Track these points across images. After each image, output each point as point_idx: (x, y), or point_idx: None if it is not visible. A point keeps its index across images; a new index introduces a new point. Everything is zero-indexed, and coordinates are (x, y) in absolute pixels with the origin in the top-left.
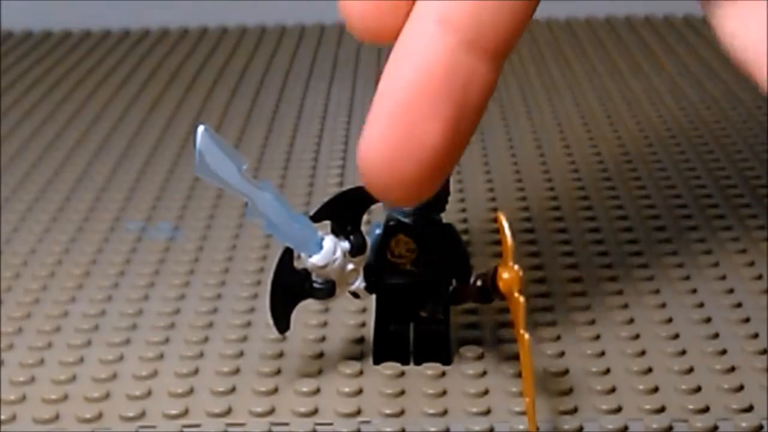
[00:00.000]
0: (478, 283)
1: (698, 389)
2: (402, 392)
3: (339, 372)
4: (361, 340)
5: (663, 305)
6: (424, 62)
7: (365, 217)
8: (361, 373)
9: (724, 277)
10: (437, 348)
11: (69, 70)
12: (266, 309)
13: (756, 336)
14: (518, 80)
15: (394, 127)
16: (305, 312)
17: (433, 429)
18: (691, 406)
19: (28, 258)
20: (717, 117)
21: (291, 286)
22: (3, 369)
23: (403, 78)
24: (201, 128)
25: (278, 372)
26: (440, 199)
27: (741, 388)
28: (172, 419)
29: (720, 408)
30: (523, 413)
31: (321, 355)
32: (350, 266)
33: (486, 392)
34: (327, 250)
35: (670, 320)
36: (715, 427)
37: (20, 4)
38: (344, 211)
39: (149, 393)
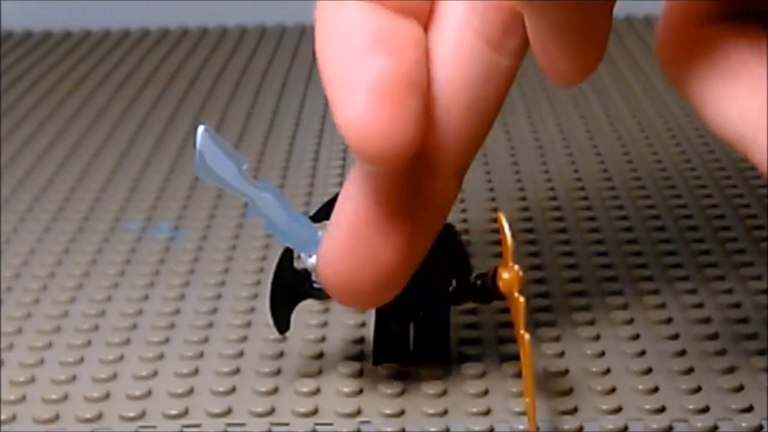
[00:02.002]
0: (478, 283)
1: (698, 389)
2: (402, 392)
3: (339, 372)
4: (361, 340)
5: (663, 305)
6: (378, 181)
7: None
8: (361, 373)
9: (723, 277)
10: (437, 348)
11: (69, 70)
12: (266, 309)
13: (756, 336)
14: (518, 80)
15: (349, 247)
16: (305, 312)
17: (433, 429)
18: (691, 406)
19: (28, 258)
20: None
21: (291, 286)
22: (3, 369)
23: (357, 198)
24: (201, 128)
25: (278, 372)
26: None
27: (741, 388)
28: (172, 419)
29: (720, 408)
30: (523, 413)
31: (321, 355)
32: None
33: (486, 392)
34: None
35: (670, 320)
36: (715, 427)
37: (20, 4)
38: None
39: (149, 393)
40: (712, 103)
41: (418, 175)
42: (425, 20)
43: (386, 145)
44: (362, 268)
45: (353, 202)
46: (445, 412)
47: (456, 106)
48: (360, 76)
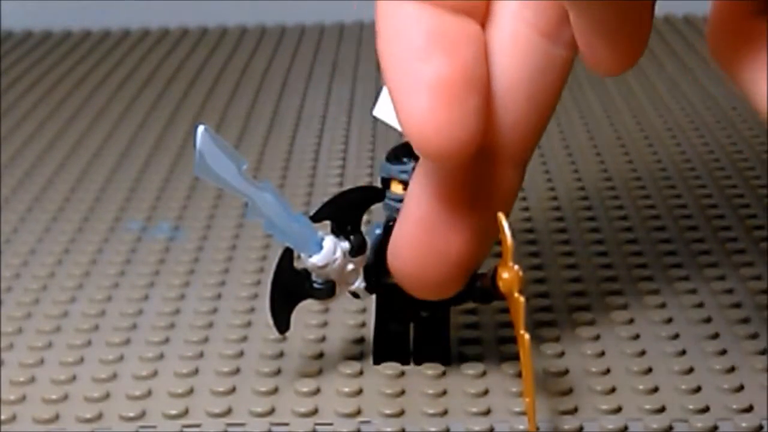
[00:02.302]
0: (478, 283)
1: (698, 389)
2: (402, 392)
3: (339, 372)
4: (361, 340)
5: (663, 305)
6: (443, 175)
7: (365, 217)
8: (361, 373)
9: (723, 277)
10: (437, 348)
11: (69, 70)
12: (266, 309)
13: (756, 336)
14: None
15: (418, 240)
16: (305, 312)
17: (433, 429)
18: (691, 406)
19: (28, 258)
20: (717, 117)
21: (291, 286)
22: (3, 369)
23: (424, 192)
24: (201, 128)
25: (278, 372)
26: None
27: (741, 388)
28: (172, 419)
29: (720, 408)
30: (523, 413)
31: (321, 355)
32: (350, 266)
33: (486, 392)
34: (327, 250)
35: (670, 320)
36: (715, 427)
37: (20, 4)
38: (344, 211)
39: (149, 393)
40: (760, 88)
41: (481, 166)
42: (482, 18)
43: (447, 143)
44: (432, 260)
45: (420, 196)
46: (445, 412)
47: (516, 97)
48: (419, 76)
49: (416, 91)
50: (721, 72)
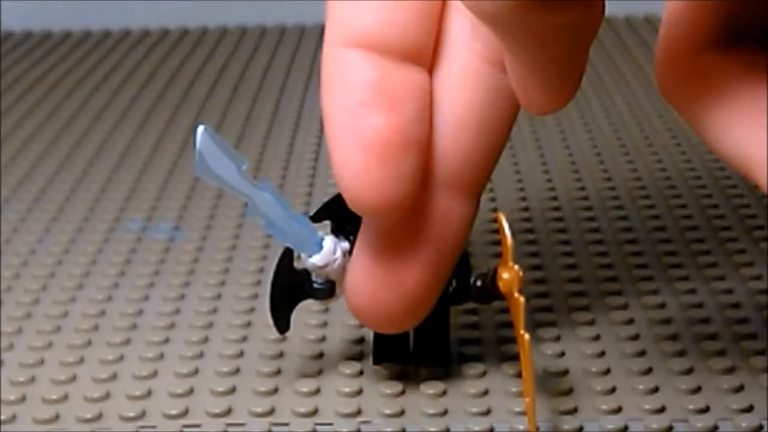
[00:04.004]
0: (478, 283)
1: (698, 389)
2: (402, 392)
3: (339, 372)
4: (361, 340)
5: (663, 305)
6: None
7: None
8: (361, 373)
9: (723, 277)
10: (437, 348)
11: (69, 70)
12: (266, 309)
13: (756, 336)
14: None
15: (373, 271)
16: (305, 312)
17: (433, 429)
18: (691, 406)
19: (28, 258)
20: None
21: (291, 286)
22: (3, 369)
23: (377, 224)
24: (201, 128)
25: (278, 372)
26: None
27: (741, 388)
28: (172, 419)
29: (720, 408)
30: (523, 413)
31: (321, 355)
32: None
33: (486, 392)
34: (327, 250)
35: (669, 320)
36: (715, 427)
37: (20, 4)
38: (344, 211)
39: (149, 393)
40: (712, 127)
41: (432, 199)
42: (429, 62)
43: (379, 201)
44: (387, 292)
45: (373, 228)
46: (445, 412)
47: (467, 129)
48: (356, 131)
49: (352, 146)
50: None
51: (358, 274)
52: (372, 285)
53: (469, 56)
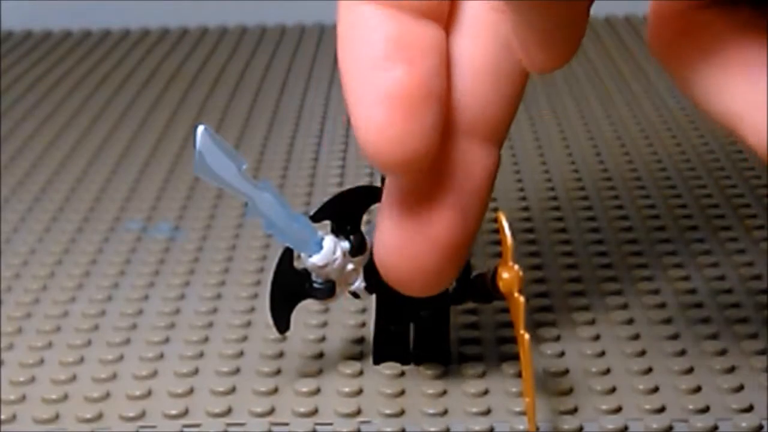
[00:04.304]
0: (478, 283)
1: (698, 389)
2: (402, 392)
3: (339, 372)
4: (361, 340)
5: (663, 305)
6: None
7: (365, 217)
8: (361, 373)
9: (723, 277)
10: (437, 348)
11: (69, 70)
12: (266, 309)
13: (756, 336)
14: None
15: (402, 226)
16: (305, 312)
17: (433, 429)
18: (691, 406)
19: (28, 258)
20: None
21: (291, 286)
22: (3, 369)
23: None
24: (201, 128)
25: (278, 372)
26: None
27: (741, 388)
28: (172, 419)
29: (720, 408)
30: (523, 413)
31: (321, 355)
32: (350, 266)
33: (486, 392)
34: (327, 250)
35: (669, 320)
36: (715, 427)
37: (20, 4)
38: (344, 211)
39: (149, 393)
40: (703, 86)
41: (455, 148)
42: (445, 19)
43: (400, 156)
44: (418, 246)
45: (397, 183)
46: (445, 412)
47: (484, 79)
48: (376, 85)
49: (372, 101)
50: None
51: (386, 232)
52: (402, 240)
53: (483, 9)
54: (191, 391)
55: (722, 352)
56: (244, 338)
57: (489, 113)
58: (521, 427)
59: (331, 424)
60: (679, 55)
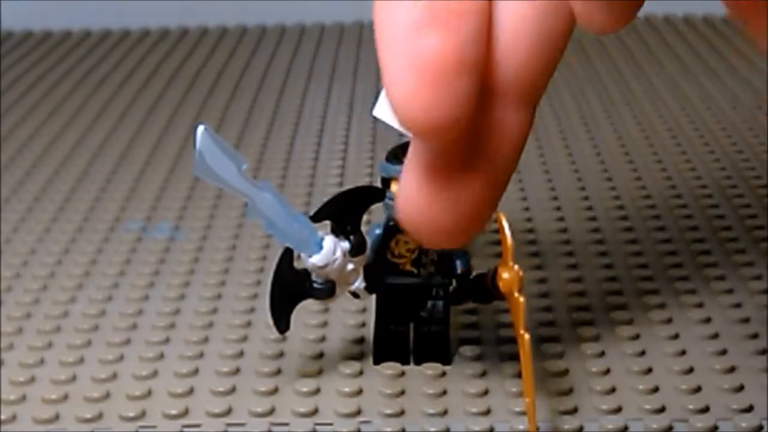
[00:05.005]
0: (478, 283)
1: (698, 389)
2: (402, 392)
3: (339, 372)
4: (361, 340)
5: (663, 305)
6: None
7: (365, 217)
8: (361, 373)
9: (723, 278)
10: (437, 348)
11: (69, 70)
12: (266, 309)
13: (756, 336)
14: None
15: (429, 184)
16: (305, 312)
17: (433, 429)
18: (691, 406)
19: (28, 258)
20: (717, 117)
21: (291, 286)
22: (3, 369)
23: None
24: (201, 128)
25: (278, 372)
26: None
27: (741, 388)
28: (172, 419)
29: (720, 408)
30: (523, 413)
31: (321, 355)
32: (350, 266)
33: (486, 392)
34: (327, 250)
35: (669, 320)
36: (715, 427)
37: (20, 4)
38: (344, 211)
39: (149, 393)
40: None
41: (488, 109)
42: None
43: (434, 123)
44: (442, 209)
45: (425, 144)
46: (445, 412)
47: (523, 38)
48: (410, 53)
49: (405, 67)
50: (721, 72)
51: (409, 191)
52: (425, 202)
53: None
54: (191, 391)
55: (722, 352)
56: (244, 338)
57: (526, 72)
58: (521, 427)
59: (331, 424)
60: None
